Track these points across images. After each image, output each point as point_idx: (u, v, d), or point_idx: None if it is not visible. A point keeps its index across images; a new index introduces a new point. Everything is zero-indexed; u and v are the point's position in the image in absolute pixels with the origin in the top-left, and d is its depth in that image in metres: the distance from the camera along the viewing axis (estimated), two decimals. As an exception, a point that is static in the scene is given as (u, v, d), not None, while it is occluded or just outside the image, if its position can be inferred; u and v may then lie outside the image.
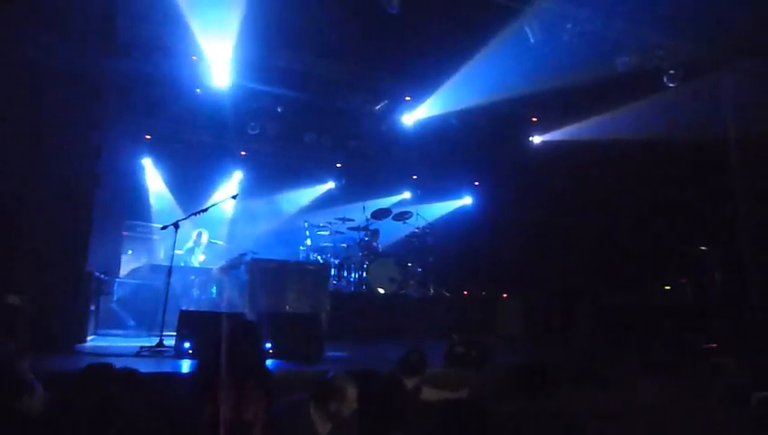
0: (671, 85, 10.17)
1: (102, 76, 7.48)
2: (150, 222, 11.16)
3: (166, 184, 11.83)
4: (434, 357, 6.20)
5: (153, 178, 11.79)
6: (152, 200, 11.65)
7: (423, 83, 11.09)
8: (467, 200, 14.55)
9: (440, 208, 14.16)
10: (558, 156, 12.74)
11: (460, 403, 5.45)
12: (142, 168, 11.73)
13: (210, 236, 10.87)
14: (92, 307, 7.62)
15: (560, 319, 11.53)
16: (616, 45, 9.95)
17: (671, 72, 10.11)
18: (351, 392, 4.20)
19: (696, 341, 9.00)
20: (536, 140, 13.20)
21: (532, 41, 9.41)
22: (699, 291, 10.75)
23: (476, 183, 14.56)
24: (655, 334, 9.96)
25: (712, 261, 10.25)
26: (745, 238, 10.35)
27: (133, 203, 11.21)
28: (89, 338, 7.43)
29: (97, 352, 6.50)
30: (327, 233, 11.67)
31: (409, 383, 5.10)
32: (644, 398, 5.71)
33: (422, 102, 11.61)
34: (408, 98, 11.82)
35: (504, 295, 11.91)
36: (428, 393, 5.30)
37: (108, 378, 3.97)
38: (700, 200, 10.93)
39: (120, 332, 8.72)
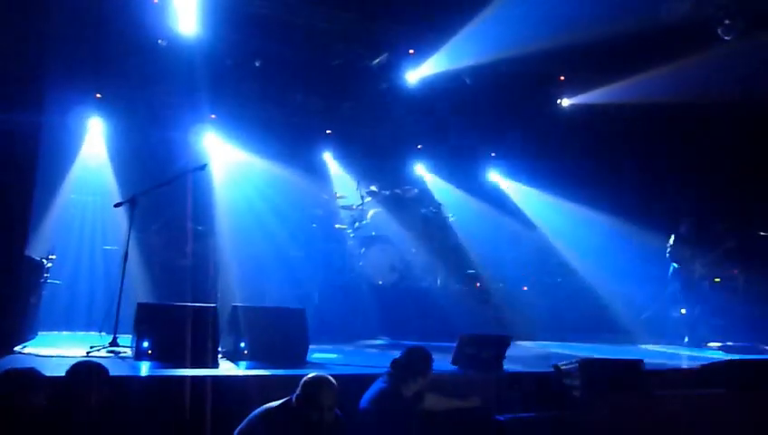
0: (726, 39, 10.09)
1: (45, 20, 7.37)
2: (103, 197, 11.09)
3: (119, 153, 11.72)
4: (440, 360, 6.23)
5: (105, 146, 11.67)
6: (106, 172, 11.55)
7: (430, 33, 10.97)
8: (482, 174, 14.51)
9: (449, 184, 14.11)
10: (590, 122, 12.70)
11: (469, 413, 5.54)
12: (92, 132, 11.62)
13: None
14: (33, 300, 7.60)
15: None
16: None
17: (727, 22, 10.01)
18: (329, 396, 4.21)
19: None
20: (565, 103, 13.12)
21: (560, -18, 9.31)
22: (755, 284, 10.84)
23: (493, 154, 14.51)
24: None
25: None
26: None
27: (82, 174, 11.13)
28: (29, 337, 7.42)
29: (40, 355, 6.49)
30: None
31: (408, 390, 5.10)
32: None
33: (429, 57, 11.49)
34: (411, 51, 11.70)
35: (525, 288, 11.94)
36: (432, 402, 5.31)
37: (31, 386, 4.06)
38: (755, 177, 10.98)
39: (68, 329, 8.73)
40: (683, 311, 11.01)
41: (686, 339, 10.30)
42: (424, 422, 5.12)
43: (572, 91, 12.90)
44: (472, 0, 9.96)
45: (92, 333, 8.12)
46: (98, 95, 11.41)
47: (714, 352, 9.46)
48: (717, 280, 11.19)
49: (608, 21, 9.83)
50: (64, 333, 8.65)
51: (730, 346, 9.42)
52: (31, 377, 4.18)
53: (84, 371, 4.36)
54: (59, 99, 9.65)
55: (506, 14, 9.94)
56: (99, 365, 4.47)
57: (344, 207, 11.66)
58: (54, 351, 6.64)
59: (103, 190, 10.82)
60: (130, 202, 7.37)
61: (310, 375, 4.36)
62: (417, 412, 5.13)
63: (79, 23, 9.68)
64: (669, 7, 9.97)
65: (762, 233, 10.30)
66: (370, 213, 11.62)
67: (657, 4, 9.98)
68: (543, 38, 10.45)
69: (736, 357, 8.52)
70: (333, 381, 4.31)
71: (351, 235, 11.30)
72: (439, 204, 12.44)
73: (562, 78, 12.87)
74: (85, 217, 10.67)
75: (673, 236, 10.50)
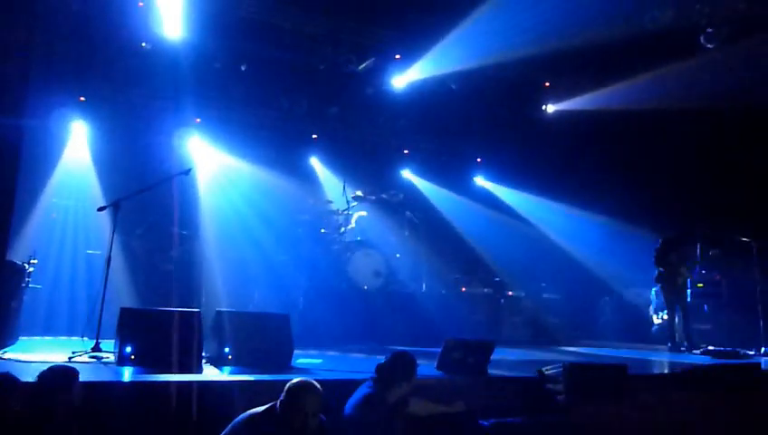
0: (709, 47, 10.19)
1: (30, 22, 7.30)
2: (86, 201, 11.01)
3: (103, 157, 11.64)
4: (425, 365, 6.23)
5: (88, 150, 11.59)
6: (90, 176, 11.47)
7: (416, 39, 11.00)
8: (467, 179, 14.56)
9: (435, 188, 14.14)
10: (575, 129, 12.77)
11: (454, 418, 5.53)
12: (75, 136, 11.54)
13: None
14: (14, 304, 7.51)
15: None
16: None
17: (710, 30, 10.12)
18: (314, 401, 4.20)
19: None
20: (550, 109, 13.18)
21: (546, -10, 9.37)
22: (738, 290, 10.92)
23: (479, 160, 14.56)
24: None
25: (755, 254, 10.37)
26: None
27: (65, 178, 11.05)
28: (10, 343, 7.33)
29: (20, 360, 6.41)
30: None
31: (393, 396, 5.09)
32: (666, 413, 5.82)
33: (415, 62, 11.52)
34: (398, 56, 11.72)
35: (510, 293, 11.96)
36: (417, 407, 5.30)
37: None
38: (738, 183, 11.09)
39: (49, 334, 8.66)
40: (664, 316, 11.08)
41: (669, 344, 10.36)
42: (408, 427, 5.11)
43: (557, 97, 12.98)
44: (458, 6, 9.99)
45: (75, 338, 8.06)
46: (81, 98, 11.33)
47: (696, 356, 9.52)
48: (700, 285, 11.28)
49: (592, 29, 9.91)
50: (46, 338, 8.57)
51: (712, 351, 9.49)
52: (5, 382, 4.13)
53: (54, 375, 4.29)
54: (42, 102, 9.58)
55: (492, 21, 9.99)
56: (69, 369, 4.41)
57: (330, 212, 11.63)
58: (35, 356, 6.56)
59: (86, 194, 10.75)
60: (114, 206, 7.31)
61: (294, 380, 4.33)
62: (402, 417, 5.12)
63: (63, 25, 9.63)
64: (653, 15, 10.06)
65: (744, 239, 10.38)
66: (354, 216, 11.60)
67: (641, 12, 10.07)
68: (529, 45, 10.51)
69: (719, 362, 8.60)
70: (318, 386, 4.30)
71: (337, 240, 11.27)
72: (424, 208, 12.48)
73: (547, 84, 12.95)
74: (68, 221, 10.59)
75: (660, 241, 10.58)
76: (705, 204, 11.69)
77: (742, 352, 9.43)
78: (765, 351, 9.71)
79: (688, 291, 10.66)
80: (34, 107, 8.09)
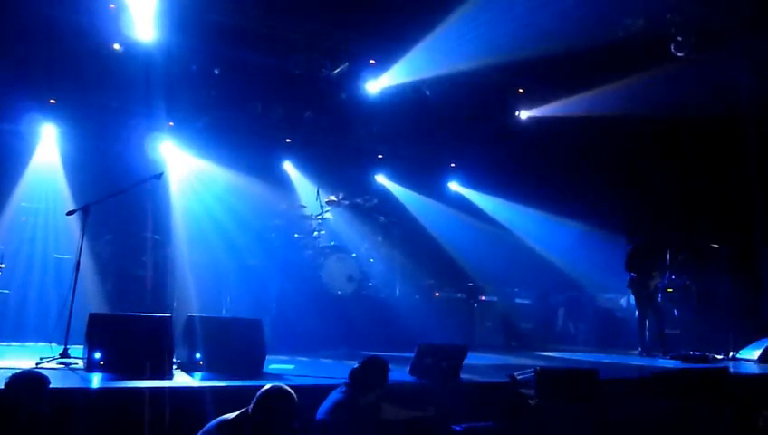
0: (679, 55, 10.36)
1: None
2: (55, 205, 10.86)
3: (73, 160, 11.51)
4: (398, 370, 6.25)
5: (58, 153, 11.45)
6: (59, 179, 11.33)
7: (390, 45, 11.04)
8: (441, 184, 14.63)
9: (409, 193, 14.19)
10: (548, 135, 12.90)
11: (426, 423, 5.56)
12: (45, 139, 11.40)
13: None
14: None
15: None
16: (617, 6, 10.10)
17: (679, 39, 10.29)
18: (287, 407, 4.18)
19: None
20: (523, 115, 13.29)
21: (519, -3, 9.47)
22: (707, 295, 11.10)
23: (453, 165, 14.64)
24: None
25: (724, 260, 10.54)
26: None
27: (34, 182, 10.90)
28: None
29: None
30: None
31: (365, 401, 5.10)
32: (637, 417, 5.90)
33: (389, 67, 11.55)
34: (372, 61, 11.75)
35: (483, 298, 12.03)
36: (390, 412, 5.32)
37: None
38: (707, 189, 11.30)
39: (17, 340, 8.55)
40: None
41: (640, 348, 10.49)
42: (381, 433, 5.12)
43: (530, 103, 13.11)
44: (432, 12, 10.04)
45: (43, 343, 7.94)
46: (52, 101, 11.18)
47: (666, 361, 9.65)
48: (670, 290, 11.43)
49: (565, 36, 10.02)
50: (13, 344, 8.44)
51: (681, 355, 9.62)
52: None
53: (22, 381, 4.22)
54: (11, 104, 9.45)
55: (466, 28, 10.06)
56: (38, 376, 4.34)
57: (303, 217, 11.60)
58: (1, 362, 6.47)
59: (56, 198, 10.61)
60: (83, 210, 7.22)
61: (266, 386, 4.31)
62: (375, 423, 5.13)
63: (33, 27, 9.51)
64: (625, 24, 10.21)
65: (713, 244, 10.56)
66: (329, 223, 11.55)
67: (612, 20, 10.21)
68: (502, 52, 10.60)
69: (688, 366, 8.72)
70: (291, 392, 4.28)
71: (310, 244, 11.25)
72: (397, 213, 12.50)
73: (521, 91, 13.06)
74: (37, 225, 10.45)
75: (631, 247, 10.71)
76: (676, 209, 11.88)
77: (711, 356, 9.57)
78: (734, 355, 9.87)
79: (658, 295, 10.79)
80: (4, 110, 7.99)
